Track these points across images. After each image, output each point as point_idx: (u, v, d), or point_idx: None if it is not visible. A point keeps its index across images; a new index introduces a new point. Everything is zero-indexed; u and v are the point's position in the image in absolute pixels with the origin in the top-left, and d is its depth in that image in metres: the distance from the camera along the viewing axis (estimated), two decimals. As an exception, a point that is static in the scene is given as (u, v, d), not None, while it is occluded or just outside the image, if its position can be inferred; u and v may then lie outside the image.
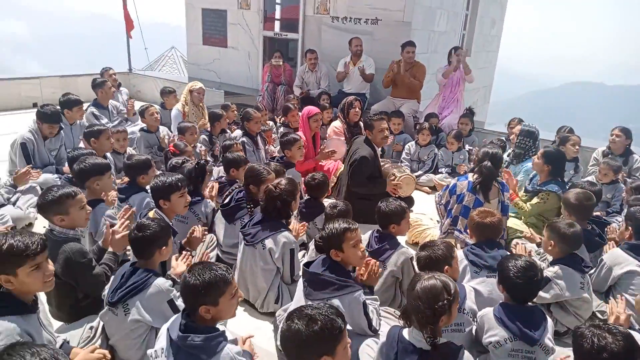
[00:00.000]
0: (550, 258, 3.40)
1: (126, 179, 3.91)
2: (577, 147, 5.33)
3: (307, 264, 2.73)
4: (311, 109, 5.32)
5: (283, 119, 6.32)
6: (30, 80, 8.45)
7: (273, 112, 7.56)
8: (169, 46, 20.99)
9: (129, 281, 2.37)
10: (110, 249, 2.77)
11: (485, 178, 3.82)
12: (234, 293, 2.05)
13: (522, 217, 4.37)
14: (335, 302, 2.50)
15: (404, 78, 6.84)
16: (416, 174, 5.70)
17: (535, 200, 4.23)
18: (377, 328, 2.68)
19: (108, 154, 4.56)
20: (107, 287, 2.52)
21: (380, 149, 4.97)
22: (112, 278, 2.49)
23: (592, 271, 3.30)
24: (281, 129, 6.09)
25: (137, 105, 6.68)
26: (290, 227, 3.26)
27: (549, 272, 3.04)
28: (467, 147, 6.14)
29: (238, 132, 6.00)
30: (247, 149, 5.11)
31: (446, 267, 2.64)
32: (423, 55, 7.54)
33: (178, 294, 2.52)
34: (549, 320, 2.46)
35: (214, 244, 3.57)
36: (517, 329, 2.36)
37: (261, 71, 8.82)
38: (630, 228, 3.14)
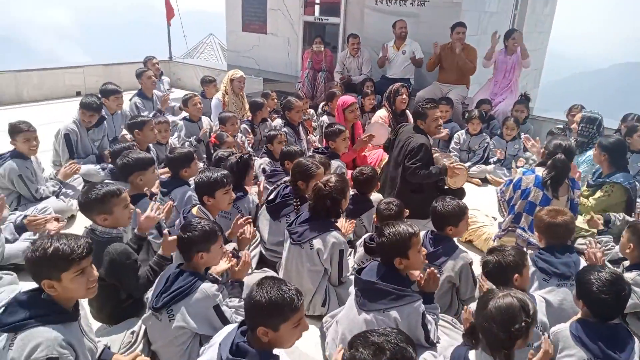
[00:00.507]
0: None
1: (168, 172, 3.81)
2: None
3: (359, 271, 2.54)
4: (346, 99, 5.07)
5: (326, 105, 6.10)
6: (74, 69, 8.55)
7: (313, 99, 7.35)
8: (206, 33, 21.07)
9: (174, 285, 2.24)
10: (160, 252, 2.67)
11: (558, 173, 3.46)
12: (299, 322, 1.85)
13: (584, 214, 4.00)
14: (393, 313, 2.32)
15: (458, 59, 6.41)
16: (466, 164, 5.37)
17: (598, 194, 3.87)
18: (435, 340, 2.47)
19: (151, 146, 4.50)
20: (150, 291, 2.41)
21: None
22: (156, 281, 2.37)
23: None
24: (324, 117, 5.88)
25: (180, 93, 6.62)
26: (338, 225, 3.07)
27: (626, 278, 2.72)
28: (522, 135, 5.72)
29: (279, 121, 5.84)
30: (288, 139, 4.93)
31: (516, 275, 2.39)
32: (472, 37, 7.08)
33: (224, 299, 2.40)
34: (637, 341, 2.17)
35: (258, 241, 3.44)
36: (599, 351, 2.09)
37: (300, 57, 8.60)
38: None
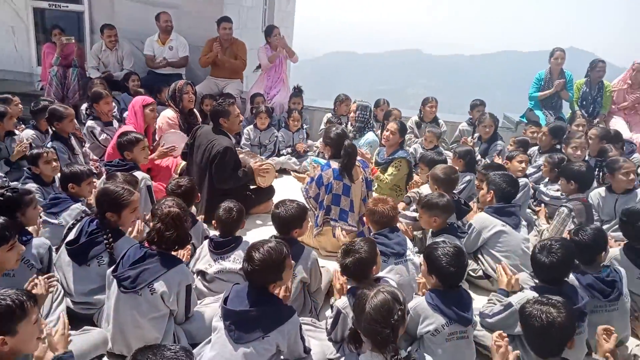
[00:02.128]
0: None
1: None
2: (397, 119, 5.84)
3: (225, 301, 2.25)
4: (146, 97, 4.55)
5: (90, 108, 5.16)
6: None
7: (64, 100, 6.10)
8: None
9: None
10: None
11: (350, 158, 3.76)
12: None
13: (379, 190, 4.56)
14: (274, 336, 2.19)
15: (224, 62, 6.34)
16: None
17: (390, 170, 4.45)
18: (310, 348, 2.43)
19: None
20: None
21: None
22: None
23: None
24: (90, 122, 4.94)
25: None
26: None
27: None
28: (304, 126, 6.10)
29: (28, 132, 4.68)
30: (60, 156, 3.96)
31: (374, 267, 2.52)
32: (235, 31, 7.07)
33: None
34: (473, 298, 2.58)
35: (60, 295, 2.66)
36: (454, 313, 2.39)
37: (35, 51, 7.05)
38: (492, 192, 3.53)
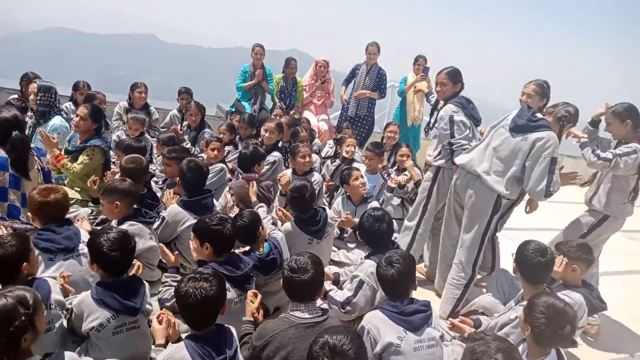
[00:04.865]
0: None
1: None
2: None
3: None
4: None
5: None
6: None
7: None
8: None
9: None
10: None
11: (18, 152, 3.30)
12: None
13: (71, 181, 4.09)
14: None
15: None
16: None
17: (81, 158, 4.06)
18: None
19: None
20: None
21: None
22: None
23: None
24: None
25: None
26: None
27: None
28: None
29: None
30: None
31: (24, 264, 2.23)
32: None
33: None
34: (147, 285, 2.53)
35: None
36: (119, 304, 2.31)
37: None
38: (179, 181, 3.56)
